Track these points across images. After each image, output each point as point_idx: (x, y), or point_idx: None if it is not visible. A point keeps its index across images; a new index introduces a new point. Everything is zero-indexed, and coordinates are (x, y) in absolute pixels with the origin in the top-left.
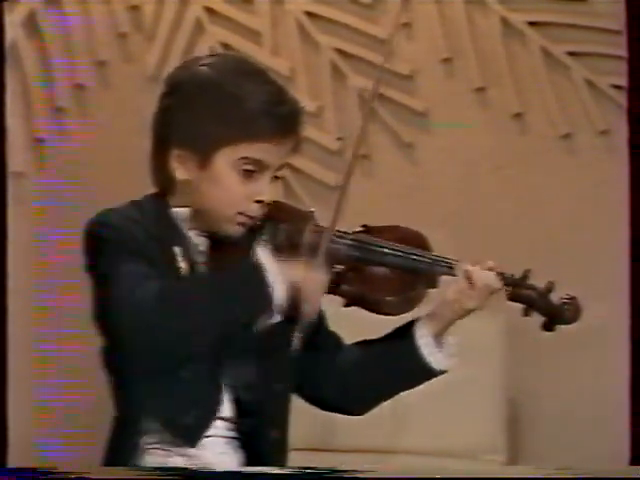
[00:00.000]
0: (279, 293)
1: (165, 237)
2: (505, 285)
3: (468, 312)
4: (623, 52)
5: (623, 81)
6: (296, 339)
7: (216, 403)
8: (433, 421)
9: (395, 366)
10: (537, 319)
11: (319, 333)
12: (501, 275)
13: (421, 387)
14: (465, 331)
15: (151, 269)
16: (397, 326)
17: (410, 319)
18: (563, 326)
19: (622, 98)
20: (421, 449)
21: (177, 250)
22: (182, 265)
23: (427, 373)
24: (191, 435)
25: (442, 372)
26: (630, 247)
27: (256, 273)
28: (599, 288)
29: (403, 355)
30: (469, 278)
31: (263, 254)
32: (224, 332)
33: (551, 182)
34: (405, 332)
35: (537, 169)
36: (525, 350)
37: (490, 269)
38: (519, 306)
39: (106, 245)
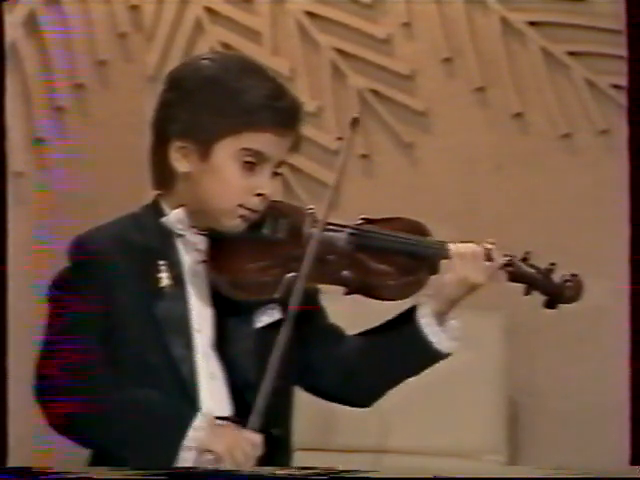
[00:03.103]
0: (186, 459)
1: (154, 252)
2: (506, 265)
3: (469, 288)
4: (623, 52)
5: (623, 81)
6: None
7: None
8: (433, 421)
9: (398, 350)
10: (537, 320)
11: (318, 327)
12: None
13: (420, 386)
14: (465, 330)
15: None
16: (399, 311)
17: (412, 304)
18: (565, 305)
19: (622, 98)
20: (421, 449)
21: (163, 265)
22: (165, 279)
23: (430, 355)
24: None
25: (446, 355)
26: (630, 247)
27: (177, 431)
28: (599, 289)
29: (405, 337)
30: (459, 253)
31: (203, 417)
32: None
33: (551, 182)
34: (407, 315)
35: (537, 169)
36: (525, 350)
37: (488, 247)
38: (519, 305)
39: (75, 275)
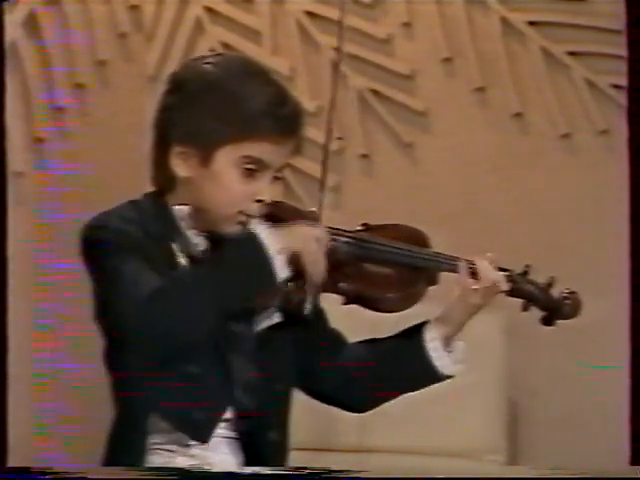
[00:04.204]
0: (281, 266)
1: (163, 235)
2: (505, 280)
3: (476, 309)
4: (623, 52)
5: (623, 81)
6: (308, 304)
7: (227, 397)
8: (433, 421)
9: (401, 367)
10: (538, 319)
11: (319, 331)
12: (501, 270)
13: None
14: (465, 331)
15: (150, 266)
16: (406, 327)
17: (420, 321)
18: (563, 321)
19: (622, 98)
20: (421, 449)
21: (175, 247)
22: (181, 261)
23: (433, 377)
24: (202, 431)
25: (448, 377)
26: (630, 247)
27: (255, 248)
28: (599, 289)
29: (410, 357)
30: (474, 273)
31: (258, 227)
32: (227, 316)
33: (551, 182)
34: (414, 334)
35: (537, 169)
36: (525, 350)
37: (490, 261)
38: (519, 305)
39: (104, 247)
